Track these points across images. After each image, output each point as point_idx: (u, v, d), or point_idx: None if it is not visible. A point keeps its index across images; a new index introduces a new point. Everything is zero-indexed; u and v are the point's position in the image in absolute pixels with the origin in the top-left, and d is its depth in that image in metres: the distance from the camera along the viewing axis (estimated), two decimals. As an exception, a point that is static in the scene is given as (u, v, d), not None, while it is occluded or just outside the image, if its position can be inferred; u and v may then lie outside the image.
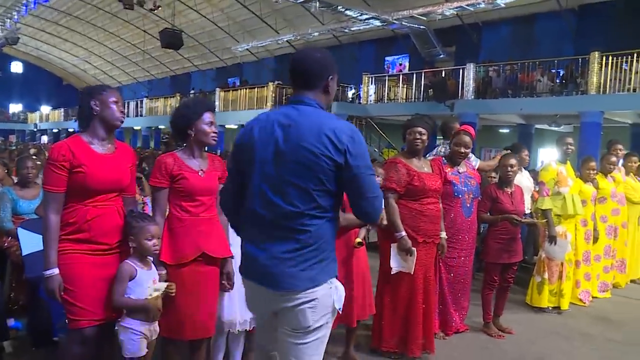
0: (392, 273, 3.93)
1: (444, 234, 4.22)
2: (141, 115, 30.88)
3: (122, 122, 2.88)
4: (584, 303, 5.82)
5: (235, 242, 3.33)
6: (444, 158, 4.63)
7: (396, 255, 3.91)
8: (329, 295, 2.22)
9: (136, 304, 2.80)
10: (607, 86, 13.80)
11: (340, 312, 2.35)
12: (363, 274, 3.88)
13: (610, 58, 13.61)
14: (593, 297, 6.01)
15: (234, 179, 2.44)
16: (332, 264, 2.27)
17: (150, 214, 3.12)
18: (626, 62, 13.57)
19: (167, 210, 3.10)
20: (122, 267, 2.79)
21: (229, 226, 2.68)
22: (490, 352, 4.46)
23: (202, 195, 3.07)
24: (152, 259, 2.93)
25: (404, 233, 3.85)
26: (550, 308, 5.53)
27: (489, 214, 4.75)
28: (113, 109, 2.82)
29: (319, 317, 2.21)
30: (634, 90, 13.52)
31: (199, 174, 3.06)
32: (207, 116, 3.09)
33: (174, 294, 2.92)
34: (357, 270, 3.79)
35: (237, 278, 3.22)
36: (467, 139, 4.56)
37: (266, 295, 2.24)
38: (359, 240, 3.81)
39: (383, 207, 3.16)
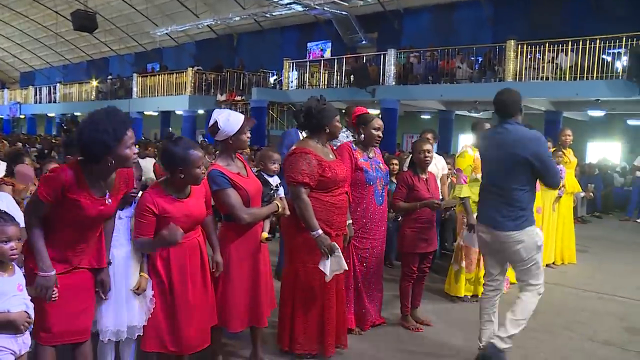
0: (327, 280, 3.56)
1: (350, 221, 3.99)
2: (55, 102, 29.27)
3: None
4: (503, 290, 5.77)
5: (118, 244, 2.99)
6: (353, 143, 4.34)
7: (326, 261, 3.49)
8: (533, 237, 3.66)
9: None
10: (523, 74, 14.17)
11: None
12: (267, 271, 3.60)
13: (525, 47, 13.96)
14: (511, 284, 5.98)
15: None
16: (531, 219, 3.69)
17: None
18: (539, 51, 13.97)
19: None
20: None
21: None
22: (406, 345, 4.30)
23: (93, 223, 2.66)
24: (15, 262, 2.48)
25: (320, 231, 3.50)
26: (469, 297, 5.45)
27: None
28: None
29: (530, 252, 3.67)
30: (547, 78, 13.97)
31: (100, 203, 2.62)
32: (129, 137, 2.57)
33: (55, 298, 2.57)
34: (263, 269, 3.52)
35: (114, 287, 2.90)
36: (382, 122, 4.33)
37: (493, 235, 3.75)
38: (266, 235, 3.53)
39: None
